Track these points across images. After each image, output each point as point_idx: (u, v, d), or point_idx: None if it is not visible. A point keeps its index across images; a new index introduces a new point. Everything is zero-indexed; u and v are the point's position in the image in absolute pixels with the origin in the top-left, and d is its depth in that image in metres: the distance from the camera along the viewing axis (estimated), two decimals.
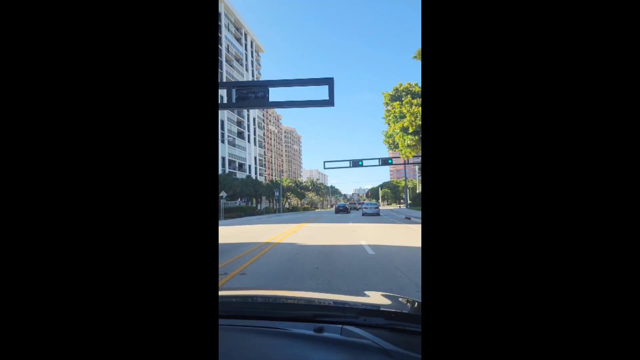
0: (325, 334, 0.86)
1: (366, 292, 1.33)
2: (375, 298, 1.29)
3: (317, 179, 78.70)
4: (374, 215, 24.28)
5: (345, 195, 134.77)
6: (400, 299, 1.28)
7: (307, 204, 69.50)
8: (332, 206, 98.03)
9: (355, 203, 51.56)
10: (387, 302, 1.24)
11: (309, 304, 1.19)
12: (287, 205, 63.54)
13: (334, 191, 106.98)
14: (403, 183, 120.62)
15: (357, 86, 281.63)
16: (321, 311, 1.08)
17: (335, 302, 1.22)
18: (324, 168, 26.43)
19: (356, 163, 26.13)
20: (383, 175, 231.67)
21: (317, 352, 0.81)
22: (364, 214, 25.21)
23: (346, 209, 33.94)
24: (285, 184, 62.27)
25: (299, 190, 64.77)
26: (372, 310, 1.05)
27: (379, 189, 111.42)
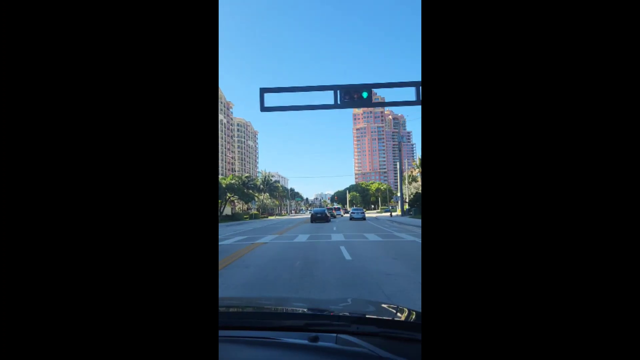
0: (320, 344, 0.84)
1: (353, 299, 1.43)
2: (365, 306, 1.34)
3: (273, 178, 60.83)
4: (361, 219, 25.91)
5: (307, 199, 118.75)
6: (389, 307, 1.33)
7: (256, 209, 51.41)
8: (293, 212, 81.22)
9: (332, 209, 37.39)
10: (378, 309, 1.31)
11: (300, 313, 1.17)
12: (228, 212, 45.24)
13: (293, 194, 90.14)
14: (374, 186, 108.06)
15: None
16: (313, 320, 1.05)
17: (326, 310, 1.20)
18: (262, 110, 8.90)
19: (358, 96, 8.65)
20: (347, 179, 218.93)
21: None
22: (351, 219, 26.99)
23: (326, 216, 25.05)
24: (225, 182, 43.87)
25: (245, 190, 46.52)
26: (364, 318, 1.07)
27: (347, 192, 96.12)
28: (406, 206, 31.75)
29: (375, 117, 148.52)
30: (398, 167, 31.94)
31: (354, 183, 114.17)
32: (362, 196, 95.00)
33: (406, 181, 51.89)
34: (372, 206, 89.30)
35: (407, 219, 23.34)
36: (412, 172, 54.28)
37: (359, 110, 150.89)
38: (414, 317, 1.12)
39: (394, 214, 32.93)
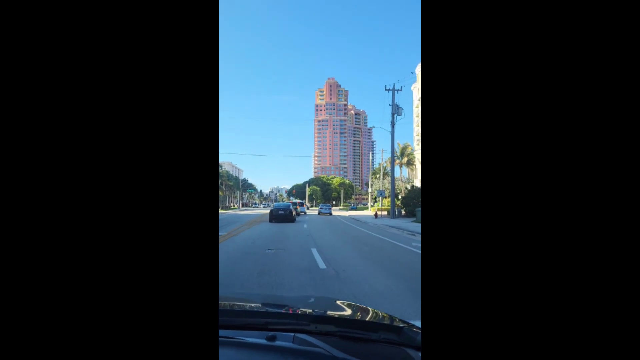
0: (277, 343, 0.84)
1: (318, 297, 1.40)
2: (328, 304, 1.33)
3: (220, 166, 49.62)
4: (328, 214, 29.26)
5: (261, 192, 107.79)
6: (351, 306, 1.33)
7: None
8: (241, 205, 70.05)
9: (296, 204, 28.31)
10: (339, 308, 1.31)
11: (260, 311, 1.16)
12: None
13: (246, 186, 78.94)
14: (336, 180, 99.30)
15: (279, 86, 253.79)
16: (272, 318, 1.04)
17: (286, 308, 1.20)
18: None
19: None
20: (305, 173, 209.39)
21: None
22: (319, 213, 30.40)
23: (290, 214, 17.38)
24: None
25: None
26: (324, 317, 1.07)
27: (306, 186, 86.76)
28: (378, 204, 23.14)
29: (338, 110, 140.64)
30: (386, 150, 23.12)
31: (312, 177, 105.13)
32: (322, 191, 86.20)
33: (380, 175, 43.74)
34: (334, 202, 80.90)
35: (413, 225, 14.53)
36: (386, 164, 46.29)
37: (321, 101, 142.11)
38: (375, 316, 1.15)
39: (380, 213, 23.92)
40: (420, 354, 0.84)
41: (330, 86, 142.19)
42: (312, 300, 1.65)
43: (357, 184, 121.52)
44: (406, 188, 24.76)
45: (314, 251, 7.09)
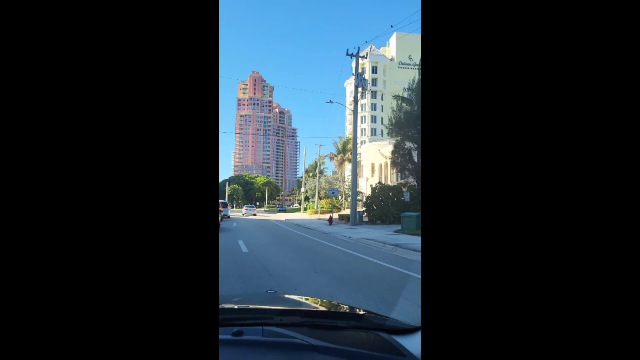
0: (245, 337, 0.82)
1: (261, 293, 1.48)
2: (287, 301, 1.44)
3: None
4: (252, 216, 29.35)
5: None
6: (306, 300, 1.43)
7: None
8: None
9: (219, 206, 19.60)
10: (294, 302, 1.38)
11: (224, 308, 1.12)
12: None
13: None
14: (260, 179, 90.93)
15: None
16: (237, 314, 1.03)
17: (251, 305, 1.23)
18: None
19: None
20: (224, 170, 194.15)
21: (240, 356, 0.77)
22: (244, 214, 30.73)
23: None
24: None
25: None
26: (287, 310, 1.10)
27: (226, 184, 77.13)
28: (312, 206, 17.42)
29: (262, 106, 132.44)
30: (352, 131, 17.27)
31: (232, 175, 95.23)
32: (245, 190, 77.64)
33: (316, 172, 38.13)
34: (257, 203, 73.09)
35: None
36: (322, 161, 40.97)
37: (244, 95, 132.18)
38: (334, 306, 1.26)
39: (323, 215, 17.88)
40: (393, 337, 0.84)
41: (255, 80, 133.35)
42: (257, 296, 1.61)
43: (280, 184, 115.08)
44: (371, 186, 19.43)
45: None
